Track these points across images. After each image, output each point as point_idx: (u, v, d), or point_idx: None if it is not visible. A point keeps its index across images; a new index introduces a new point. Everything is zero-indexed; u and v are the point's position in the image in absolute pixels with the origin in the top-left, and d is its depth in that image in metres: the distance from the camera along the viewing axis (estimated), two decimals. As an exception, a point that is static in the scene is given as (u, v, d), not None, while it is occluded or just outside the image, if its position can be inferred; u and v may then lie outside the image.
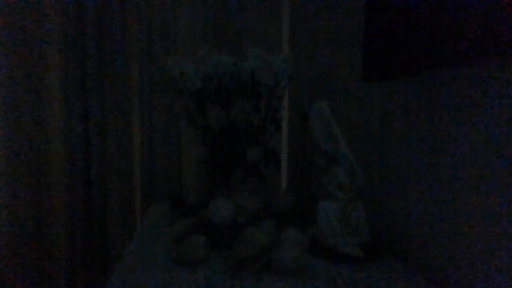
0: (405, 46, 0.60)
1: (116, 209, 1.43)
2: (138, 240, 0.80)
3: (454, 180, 0.58)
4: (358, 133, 0.90)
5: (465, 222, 0.56)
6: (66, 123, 1.36)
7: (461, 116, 0.57)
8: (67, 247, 1.37)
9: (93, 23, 1.37)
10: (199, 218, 0.82)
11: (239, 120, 1.01)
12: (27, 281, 1.36)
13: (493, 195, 0.50)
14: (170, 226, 0.89)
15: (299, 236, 0.72)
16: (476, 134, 0.53)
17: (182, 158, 1.46)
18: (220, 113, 1.01)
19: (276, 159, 1.09)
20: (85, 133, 1.40)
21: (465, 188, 0.56)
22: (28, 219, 1.35)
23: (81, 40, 1.36)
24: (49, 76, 1.35)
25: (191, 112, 1.09)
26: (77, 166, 1.38)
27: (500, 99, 0.49)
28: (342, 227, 0.71)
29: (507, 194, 0.48)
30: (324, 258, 0.69)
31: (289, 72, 1.02)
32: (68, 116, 1.36)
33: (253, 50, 1.01)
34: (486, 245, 0.52)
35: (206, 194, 1.04)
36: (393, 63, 0.64)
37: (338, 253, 0.69)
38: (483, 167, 0.52)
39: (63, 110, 1.36)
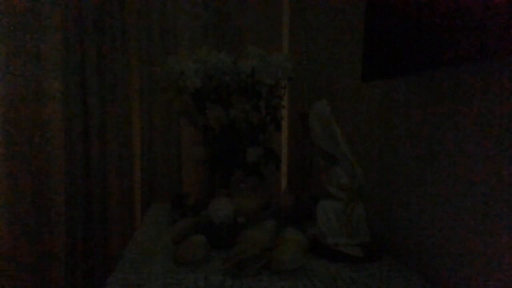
0: (405, 46, 0.60)
1: (116, 209, 1.43)
2: (138, 240, 0.80)
3: (455, 179, 0.58)
4: (358, 133, 0.90)
5: (465, 222, 0.56)
6: (66, 123, 1.36)
7: (461, 115, 0.56)
8: (67, 247, 1.37)
9: (93, 23, 1.37)
10: (199, 218, 0.82)
11: (239, 120, 1.01)
12: (27, 281, 1.36)
13: (495, 195, 0.50)
14: (170, 226, 0.89)
15: (299, 236, 0.72)
16: (477, 133, 0.53)
17: (182, 158, 1.46)
18: (220, 113, 1.01)
19: (276, 159, 1.09)
20: (85, 133, 1.40)
21: (465, 188, 0.56)
22: (28, 219, 1.35)
23: (81, 40, 1.36)
24: (49, 76, 1.35)
25: (191, 112, 1.09)
26: (77, 166, 1.38)
27: (500, 98, 0.49)
28: (342, 227, 0.71)
29: (509, 193, 0.48)
30: (324, 258, 0.69)
31: (289, 72, 1.02)
32: (68, 116, 1.36)
33: (253, 49, 1.01)
34: (487, 245, 0.52)
35: (206, 194, 1.04)
36: (393, 63, 0.64)
37: (338, 253, 0.69)
38: (484, 166, 0.52)
39: (63, 110, 1.36)
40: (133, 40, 1.41)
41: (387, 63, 0.66)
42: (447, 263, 0.59)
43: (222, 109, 1.01)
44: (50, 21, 1.33)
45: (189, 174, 1.47)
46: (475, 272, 0.54)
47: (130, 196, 1.45)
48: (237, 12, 1.44)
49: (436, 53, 0.53)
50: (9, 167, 1.33)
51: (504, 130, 0.49)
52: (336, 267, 0.66)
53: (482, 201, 0.52)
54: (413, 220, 0.69)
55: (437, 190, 0.62)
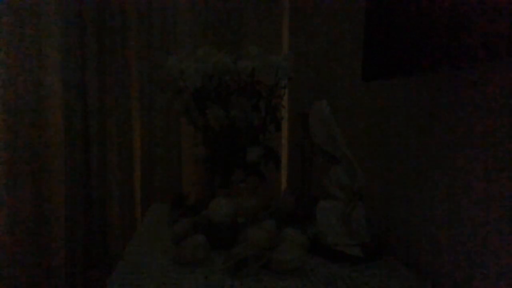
0: (405, 45, 0.60)
1: (116, 209, 1.43)
2: (138, 240, 0.80)
3: (455, 180, 0.58)
4: (358, 133, 0.90)
5: (466, 222, 0.56)
6: (66, 123, 1.36)
7: (461, 115, 0.56)
8: (67, 247, 1.37)
9: (93, 23, 1.37)
10: (199, 218, 0.82)
11: (239, 120, 1.01)
12: (27, 281, 1.36)
13: (494, 195, 0.50)
14: (170, 226, 0.89)
15: (299, 236, 0.72)
16: (476, 133, 0.53)
17: (182, 158, 1.46)
18: (220, 113, 1.01)
19: (276, 159, 1.09)
20: (85, 133, 1.40)
21: (466, 188, 0.56)
22: (28, 219, 1.35)
23: (81, 40, 1.36)
24: (49, 76, 1.35)
25: (191, 112, 1.09)
26: (77, 167, 1.38)
27: (500, 99, 0.49)
28: (342, 227, 0.71)
29: (508, 194, 0.48)
30: (324, 258, 0.69)
31: (289, 72, 1.02)
32: (68, 116, 1.36)
33: (253, 49, 1.01)
34: (487, 245, 0.52)
35: (206, 194, 1.04)
36: (394, 62, 0.64)
37: (338, 253, 0.69)
38: (483, 167, 0.52)
39: (63, 110, 1.36)
40: (133, 40, 1.41)
41: (387, 63, 0.66)
42: (447, 263, 0.59)
43: (222, 109, 1.01)
44: (50, 21, 1.33)
45: (189, 174, 1.47)
46: (475, 272, 0.54)
47: (130, 196, 1.45)
48: (237, 12, 1.44)
49: (437, 53, 0.53)
50: (9, 167, 1.33)
51: (504, 130, 0.49)
52: (336, 267, 0.66)
53: (482, 202, 0.52)
54: (413, 220, 0.69)
55: (437, 190, 0.62)
